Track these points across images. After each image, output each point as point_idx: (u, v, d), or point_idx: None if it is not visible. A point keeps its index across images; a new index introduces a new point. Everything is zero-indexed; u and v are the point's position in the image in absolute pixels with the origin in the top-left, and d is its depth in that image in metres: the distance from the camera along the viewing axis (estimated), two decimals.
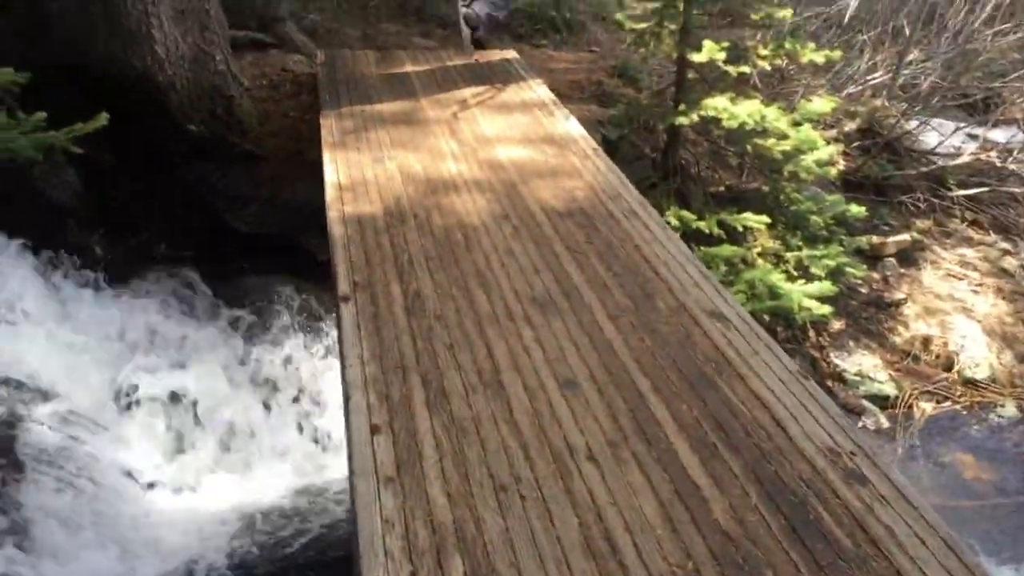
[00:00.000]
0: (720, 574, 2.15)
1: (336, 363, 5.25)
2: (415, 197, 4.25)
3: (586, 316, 3.27)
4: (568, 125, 5.33)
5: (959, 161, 8.38)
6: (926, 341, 7.34)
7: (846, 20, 8.98)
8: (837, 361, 6.82)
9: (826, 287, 6.27)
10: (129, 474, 4.50)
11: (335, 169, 4.51)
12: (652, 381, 2.89)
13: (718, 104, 6.34)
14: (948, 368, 7.19)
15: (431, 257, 3.68)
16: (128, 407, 4.77)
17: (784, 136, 6.44)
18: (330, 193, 4.23)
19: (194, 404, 4.89)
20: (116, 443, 4.58)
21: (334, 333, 5.55)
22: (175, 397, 4.87)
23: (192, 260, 5.70)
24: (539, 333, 3.15)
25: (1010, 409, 7.03)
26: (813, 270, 6.48)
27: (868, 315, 7.38)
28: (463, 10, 6.94)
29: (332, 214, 4.02)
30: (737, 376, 2.93)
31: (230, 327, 5.43)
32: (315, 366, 5.37)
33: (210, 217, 5.78)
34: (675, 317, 3.28)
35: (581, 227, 3.99)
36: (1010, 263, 8.10)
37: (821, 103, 6.58)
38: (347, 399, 2.78)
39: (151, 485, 4.55)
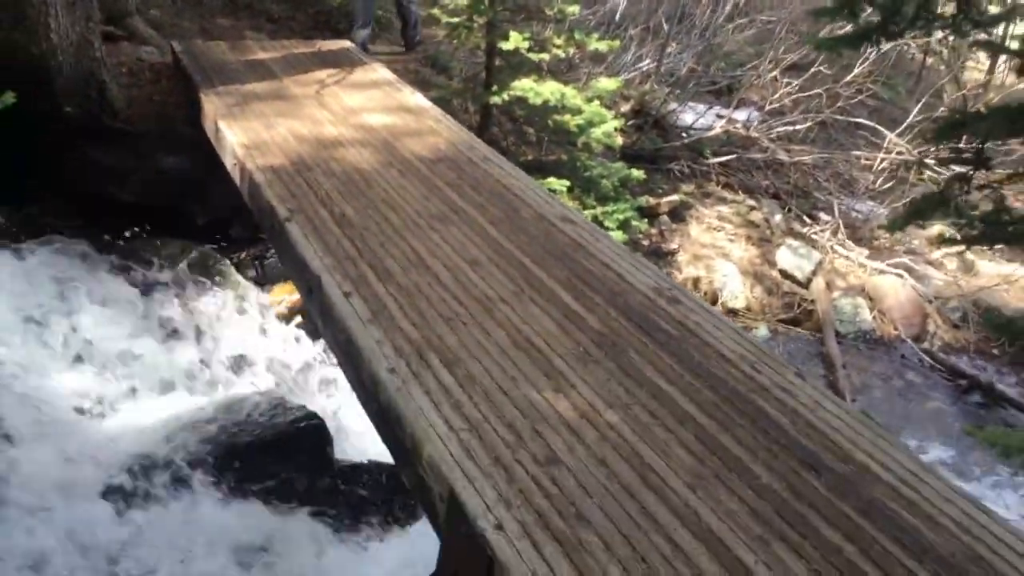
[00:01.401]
0: (600, 351, 3.40)
1: (230, 306, 6.17)
2: (311, 152, 5.24)
3: (474, 225, 4.44)
4: (417, 98, 6.46)
5: (711, 134, 10.18)
6: (696, 281, 9.07)
7: (617, 17, 10.60)
8: None
9: (620, 236, 7.72)
10: (66, 400, 5.23)
11: (235, 134, 5.40)
12: (531, 258, 4.11)
13: (525, 85, 7.66)
14: (714, 302, 8.93)
15: (342, 192, 4.71)
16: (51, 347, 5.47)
17: (579, 111, 7.85)
18: (240, 152, 5.14)
19: (109, 343, 5.64)
20: (49, 377, 5.29)
21: (222, 284, 6.43)
22: (90, 340, 5.60)
23: (82, 229, 6.36)
24: (443, 235, 4.29)
25: (763, 330, 8.87)
26: (607, 224, 7.89)
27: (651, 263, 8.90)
28: None
29: (249, 165, 4.95)
30: (588, 253, 4.21)
31: (127, 283, 6.17)
32: (209, 311, 6.19)
33: (96, 191, 6.45)
34: (538, 222, 4.52)
35: (451, 169, 5.15)
36: (756, 216, 9.99)
37: (608, 82, 8.04)
38: (317, 280, 3.81)
39: (83, 410, 5.28)
